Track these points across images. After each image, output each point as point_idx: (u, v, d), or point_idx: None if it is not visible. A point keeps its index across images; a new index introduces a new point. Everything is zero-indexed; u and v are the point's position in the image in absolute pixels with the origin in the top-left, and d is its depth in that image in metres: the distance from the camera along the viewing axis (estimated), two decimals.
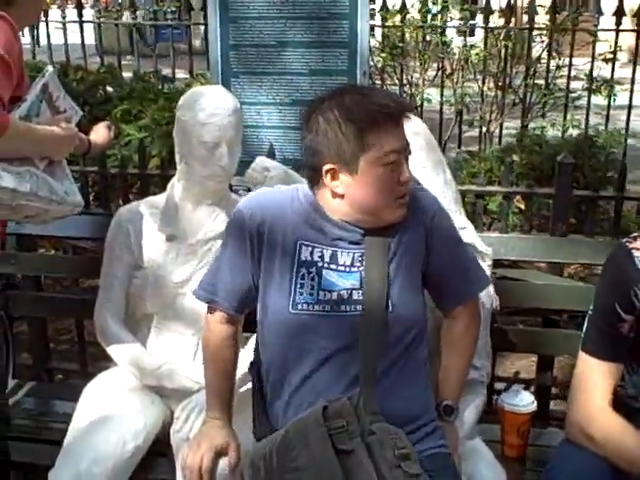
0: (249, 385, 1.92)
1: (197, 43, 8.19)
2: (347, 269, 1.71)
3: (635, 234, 1.73)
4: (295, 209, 1.76)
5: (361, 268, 1.71)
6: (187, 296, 2.09)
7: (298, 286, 1.71)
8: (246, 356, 1.94)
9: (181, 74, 6.09)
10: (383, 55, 5.32)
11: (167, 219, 2.14)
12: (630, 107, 4.93)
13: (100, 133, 2.49)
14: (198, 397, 1.99)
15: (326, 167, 1.65)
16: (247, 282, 1.79)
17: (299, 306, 1.70)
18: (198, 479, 1.74)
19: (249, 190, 2.42)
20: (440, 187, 2.01)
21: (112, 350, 2.13)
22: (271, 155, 2.76)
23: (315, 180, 1.72)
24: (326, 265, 1.72)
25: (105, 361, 2.23)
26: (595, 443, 1.67)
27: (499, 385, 2.92)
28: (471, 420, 1.93)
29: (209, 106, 2.02)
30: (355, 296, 1.70)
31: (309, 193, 1.76)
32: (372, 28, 5.10)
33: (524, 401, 2.06)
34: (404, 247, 1.74)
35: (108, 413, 1.99)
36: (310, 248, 1.73)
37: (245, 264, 1.78)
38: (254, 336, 1.91)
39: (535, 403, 2.08)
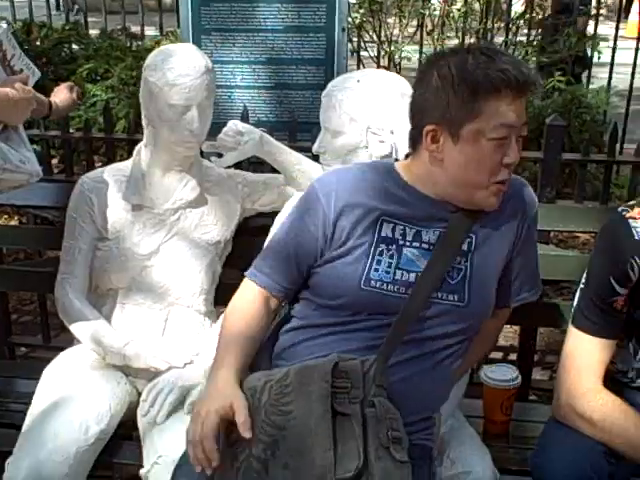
0: None
1: None
2: (430, 247, 1.61)
3: (632, 202, 1.66)
4: (379, 186, 1.64)
5: None
6: (155, 269, 2.01)
7: (375, 262, 1.60)
8: None
9: (150, 31, 5.91)
10: (361, 11, 5.18)
11: (133, 187, 2.03)
12: (612, 64, 4.85)
13: (62, 95, 2.39)
14: (167, 377, 1.90)
15: (428, 128, 1.55)
16: (310, 267, 1.67)
17: (372, 282, 1.59)
18: (202, 453, 1.49)
19: (220, 156, 2.29)
20: None
21: (74, 328, 2.02)
22: (245, 118, 2.62)
23: (414, 142, 1.61)
24: (407, 243, 1.61)
25: (70, 333, 2.10)
26: (591, 425, 1.59)
27: None
28: (456, 401, 1.85)
29: (178, 66, 1.89)
30: None
31: (391, 167, 1.68)
32: None
33: (508, 376, 1.99)
34: (492, 238, 1.65)
35: (69, 395, 1.88)
36: (392, 225, 1.62)
37: (313, 248, 1.65)
38: None
39: (519, 378, 2.01)
